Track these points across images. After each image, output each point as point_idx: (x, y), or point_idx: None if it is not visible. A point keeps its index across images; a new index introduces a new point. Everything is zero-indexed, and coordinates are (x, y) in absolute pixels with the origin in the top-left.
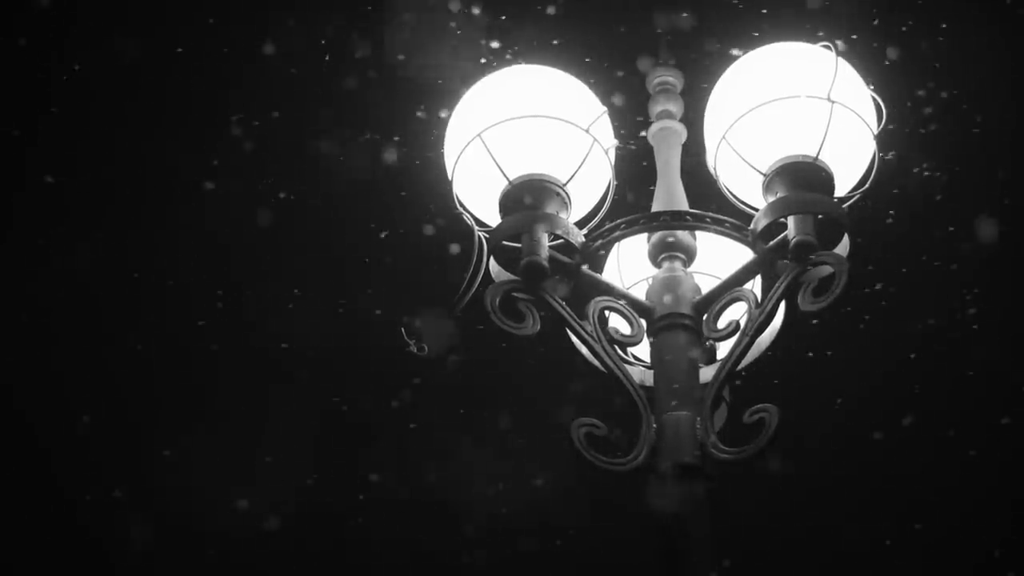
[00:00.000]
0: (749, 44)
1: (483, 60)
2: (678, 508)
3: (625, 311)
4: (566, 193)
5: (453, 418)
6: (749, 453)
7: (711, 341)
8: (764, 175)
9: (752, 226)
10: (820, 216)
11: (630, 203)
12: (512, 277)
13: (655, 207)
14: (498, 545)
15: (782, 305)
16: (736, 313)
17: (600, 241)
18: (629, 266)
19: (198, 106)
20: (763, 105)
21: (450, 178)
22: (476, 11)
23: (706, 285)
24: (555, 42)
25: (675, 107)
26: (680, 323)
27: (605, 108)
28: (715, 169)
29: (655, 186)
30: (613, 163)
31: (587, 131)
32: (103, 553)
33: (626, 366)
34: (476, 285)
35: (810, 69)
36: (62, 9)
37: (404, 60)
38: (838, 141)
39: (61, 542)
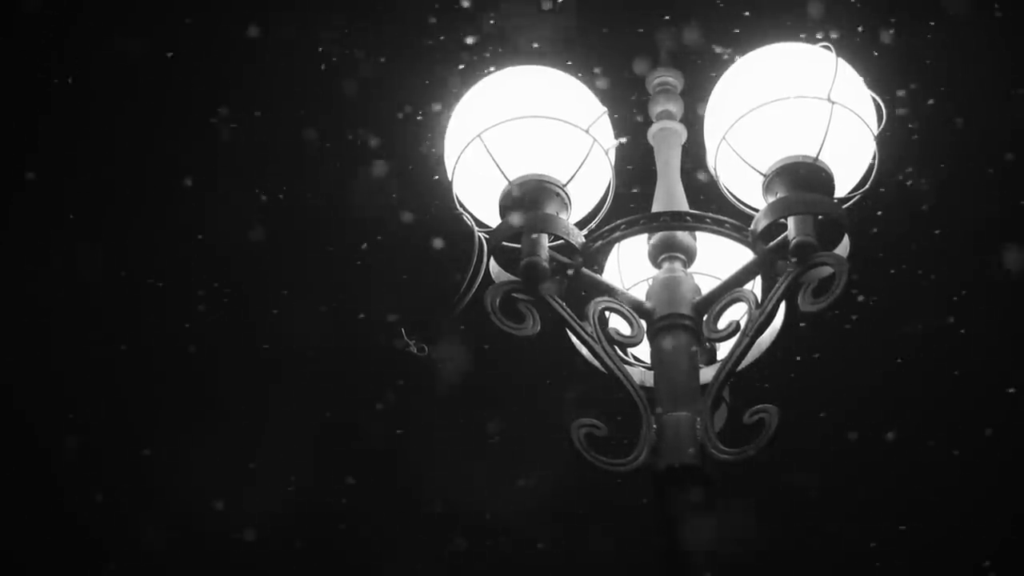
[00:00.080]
0: (749, 45)
1: (482, 59)
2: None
3: (625, 312)
4: (566, 194)
5: (452, 418)
6: (749, 454)
7: (711, 342)
8: (764, 176)
9: (752, 227)
10: (820, 217)
11: (630, 203)
12: (512, 278)
13: (655, 207)
14: (498, 545)
15: (782, 306)
16: (736, 314)
17: (600, 242)
18: (629, 267)
19: (198, 106)
20: (763, 106)
21: (450, 178)
22: (476, 11)
23: (706, 286)
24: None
25: (675, 107)
26: (680, 324)
27: (605, 109)
28: (715, 170)
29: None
30: (613, 164)
31: (587, 132)
32: (103, 553)
33: (626, 367)
34: (476, 286)
35: (810, 70)
36: (62, 9)
37: (403, 60)
38: (838, 142)
39: (61, 542)
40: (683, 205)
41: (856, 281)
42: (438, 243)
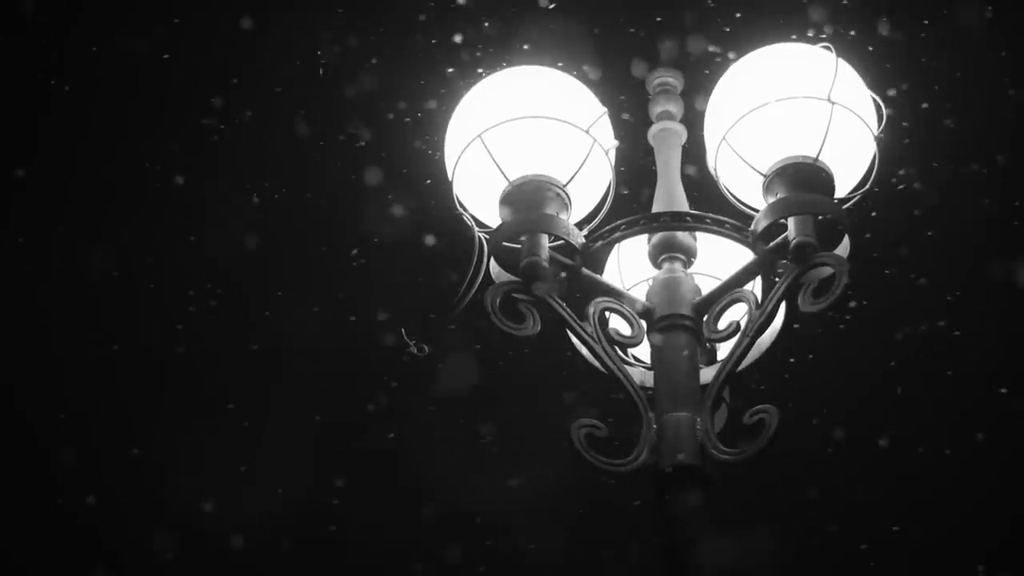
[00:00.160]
0: (748, 45)
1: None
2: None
3: (625, 312)
4: (566, 194)
5: (452, 418)
6: (749, 454)
7: (711, 342)
8: (764, 176)
9: (752, 227)
10: (820, 217)
11: (630, 202)
12: (512, 278)
13: (655, 208)
14: (498, 545)
15: (782, 306)
16: (736, 314)
17: (600, 242)
18: (629, 267)
19: (198, 106)
20: (763, 106)
21: (450, 179)
22: (476, 11)
23: (706, 286)
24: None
25: (675, 108)
26: (680, 324)
27: (605, 109)
28: (715, 170)
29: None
30: (613, 164)
31: (587, 132)
32: (103, 553)
33: (626, 367)
34: (476, 286)
35: (810, 70)
36: (62, 9)
37: (402, 60)
38: (838, 142)
39: (61, 542)
40: (683, 205)
41: (852, 283)
42: (438, 243)
